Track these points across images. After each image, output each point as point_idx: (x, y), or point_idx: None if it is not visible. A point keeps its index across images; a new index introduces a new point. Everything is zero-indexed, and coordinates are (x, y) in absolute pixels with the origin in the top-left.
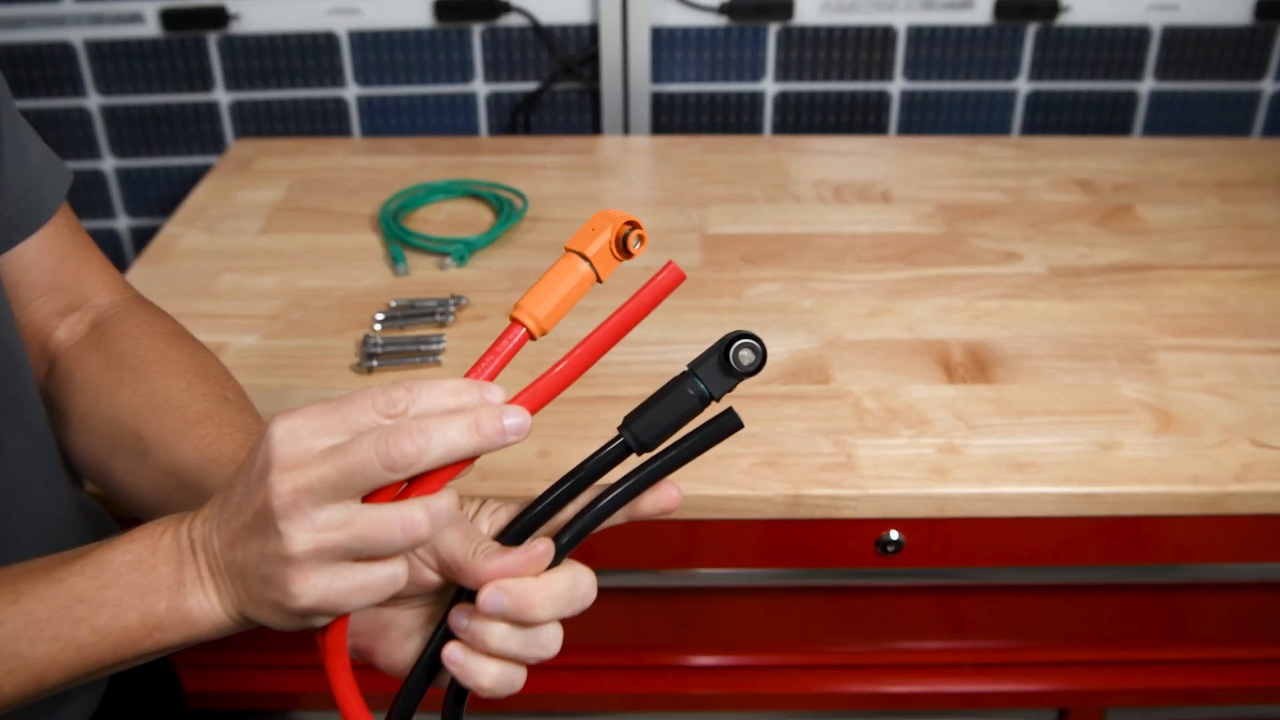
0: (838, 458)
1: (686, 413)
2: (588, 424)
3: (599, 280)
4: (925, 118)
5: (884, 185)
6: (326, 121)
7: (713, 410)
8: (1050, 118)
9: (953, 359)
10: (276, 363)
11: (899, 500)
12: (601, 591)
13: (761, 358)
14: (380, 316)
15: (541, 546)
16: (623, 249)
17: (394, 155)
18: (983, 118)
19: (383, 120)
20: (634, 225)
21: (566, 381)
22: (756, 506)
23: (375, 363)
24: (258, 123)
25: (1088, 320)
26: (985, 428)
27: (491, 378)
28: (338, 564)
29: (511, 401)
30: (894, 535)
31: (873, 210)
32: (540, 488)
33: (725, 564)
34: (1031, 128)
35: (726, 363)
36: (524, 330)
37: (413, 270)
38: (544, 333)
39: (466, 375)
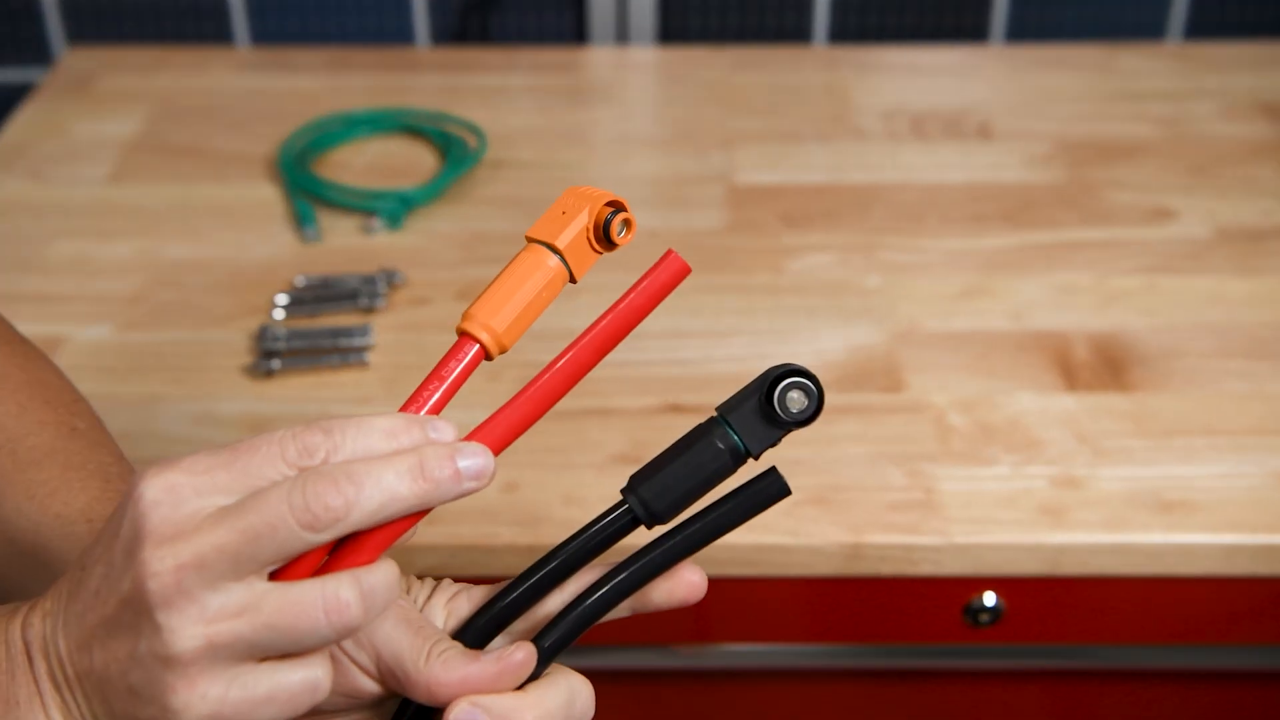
0: (913, 494)
1: (714, 474)
2: (570, 447)
3: (573, 280)
4: (1044, 17)
5: (983, 115)
6: (199, 23)
7: (748, 470)
8: (1225, 14)
9: (1075, 358)
10: (137, 365)
11: (997, 552)
12: (597, 676)
13: (817, 403)
14: (283, 300)
15: (521, 654)
16: (604, 238)
17: (296, 73)
18: (1128, 16)
19: (279, 22)
20: (618, 206)
21: (538, 410)
22: (802, 560)
23: (276, 363)
24: (98, 23)
25: (1270, 304)
26: (1119, 453)
27: (438, 410)
28: (237, 665)
29: (469, 437)
30: (990, 600)
31: (966, 150)
32: (507, 533)
33: (759, 638)
34: (1196, 29)
35: (769, 408)
36: (477, 347)
37: (327, 235)
38: (503, 350)
39: (403, 408)
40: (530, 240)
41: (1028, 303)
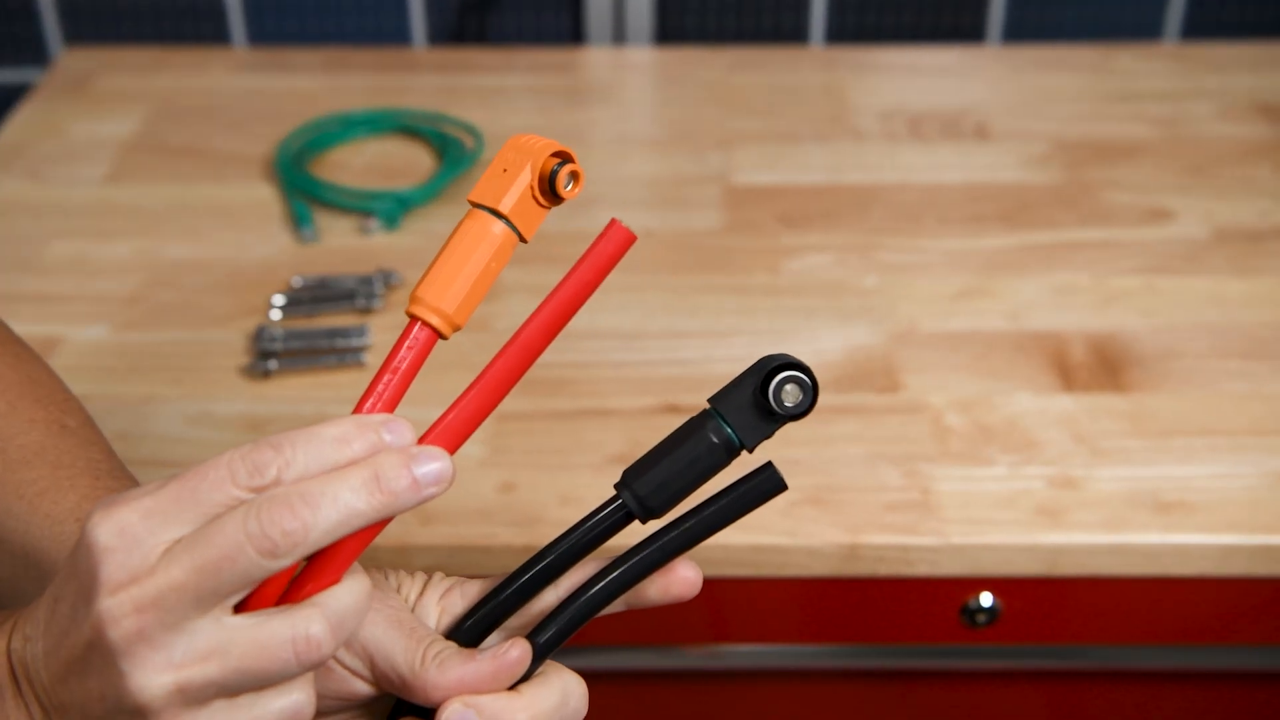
0: (910, 494)
1: (708, 468)
2: (567, 448)
3: (523, 240)
4: (1042, 17)
5: (980, 115)
6: (196, 24)
7: (743, 463)
8: (1222, 14)
9: (1072, 358)
10: (134, 365)
11: (994, 553)
12: (594, 677)
13: (812, 396)
14: (280, 300)
15: (515, 651)
16: (550, 192)
17: (294, 73)
18: (1125, 16)
19: (277, 22)
20: (564, 157)
21: (493, 401)
22: (799, 561)
23: (273, 364)
24: (96, 24)
25: (1267, 304)
26: (1116, 453)
27: (392, 405)
28: (212, 704)
29: (424, 438)
30: (987, 600)
31: (964, 151)
32: (504, 534)
33: (756, 639)
34: (1194, 30)
35: (764, 400)
36: (428, 330)
37: (324, 236)
38: (456, 328)
39: (360, 403)
40: (473, 205)
41: (1025, 303)
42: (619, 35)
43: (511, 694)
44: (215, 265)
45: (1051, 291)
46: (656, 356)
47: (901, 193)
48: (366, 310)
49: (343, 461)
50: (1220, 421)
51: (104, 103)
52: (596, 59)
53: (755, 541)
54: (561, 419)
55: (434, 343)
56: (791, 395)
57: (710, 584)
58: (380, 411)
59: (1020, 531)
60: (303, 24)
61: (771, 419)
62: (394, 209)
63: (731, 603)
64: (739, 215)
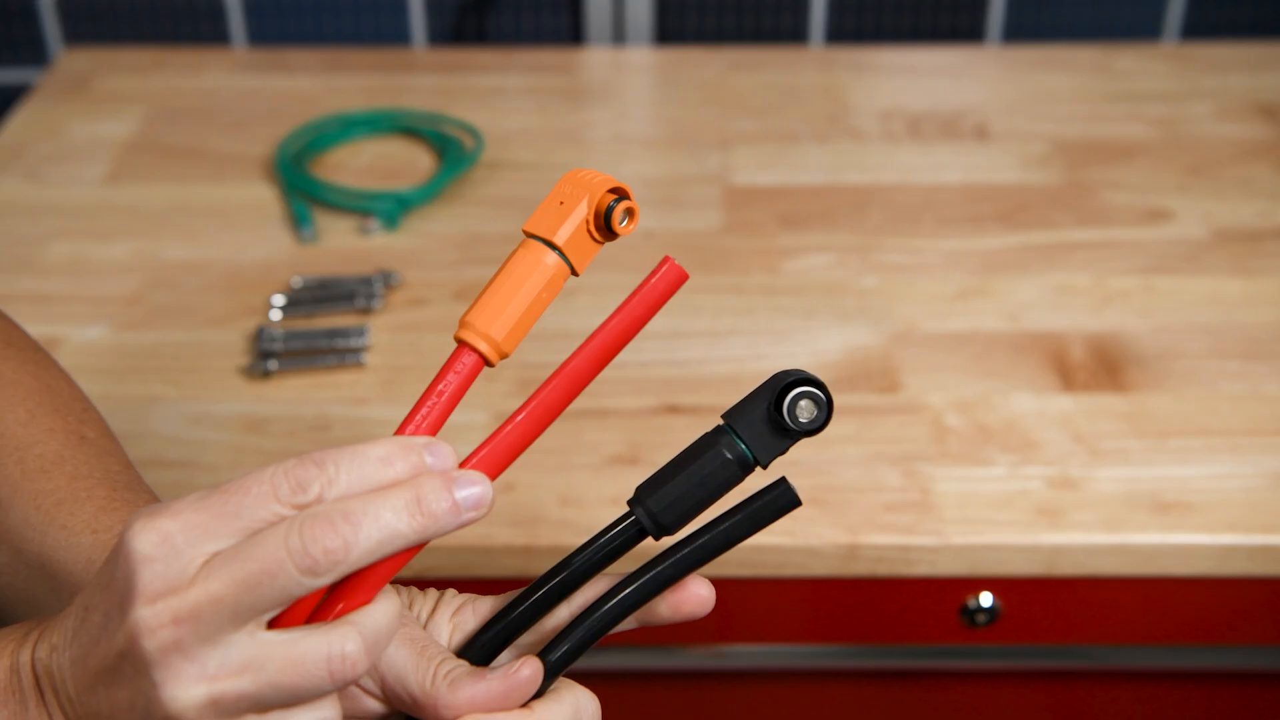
0: (909, 494)
1: (721, 484)
2: (566, 449)
3: (575, 274)
4: (1040, 17)
5: (979, 116)
6: (195, 24)
7: (757, 479)
8: (1221, 15)
9: (1071, 358)
10: (134, 365)
11: (993, 553)
12: (589, 678)
13: (827, 412)
14: (279, 301)
15: (527, 670)
16: (605, 228)
17: (293, 73)
18: (1123, 16)
19: (276, 22)
20: (621, 194)
21: (537, 429)
22: (799, 560)
23: (273, 364)
24: (95, 24)
25: (1266, 304)
26: (1115, 453)
27: (435, 428)
28: (243, 718)
29: (465, 463)
30: (986, 600)
31: (963, 151)
32: (503, 535)
33: (756, 639)
34: (1192, 30)
35: (778, 416)
36: (475, 356)
37: (323, 236)
38: (504, 356)
39: (402, 424)
40: (528, 235)
41: (1024, 303)
42: (618, 35)
43: (523, 711)
44: (215, 266)
45: (1050, 292)
46: (656, 357)
47: (900, 193)
48: (366, 311)
49: (385, 482)
50: (1219, 421)
51: (103, 103)
52: (596, 59)
53: (755, 541)
54: (561, 419)
55: (480, 369)
56: (806, 411)
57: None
58: (423, 434)
59: (1020, 532)
60: (302, 24)
61: (785, 435)
62: (393, 209)
63: (731, 603)
64: (738, 215)
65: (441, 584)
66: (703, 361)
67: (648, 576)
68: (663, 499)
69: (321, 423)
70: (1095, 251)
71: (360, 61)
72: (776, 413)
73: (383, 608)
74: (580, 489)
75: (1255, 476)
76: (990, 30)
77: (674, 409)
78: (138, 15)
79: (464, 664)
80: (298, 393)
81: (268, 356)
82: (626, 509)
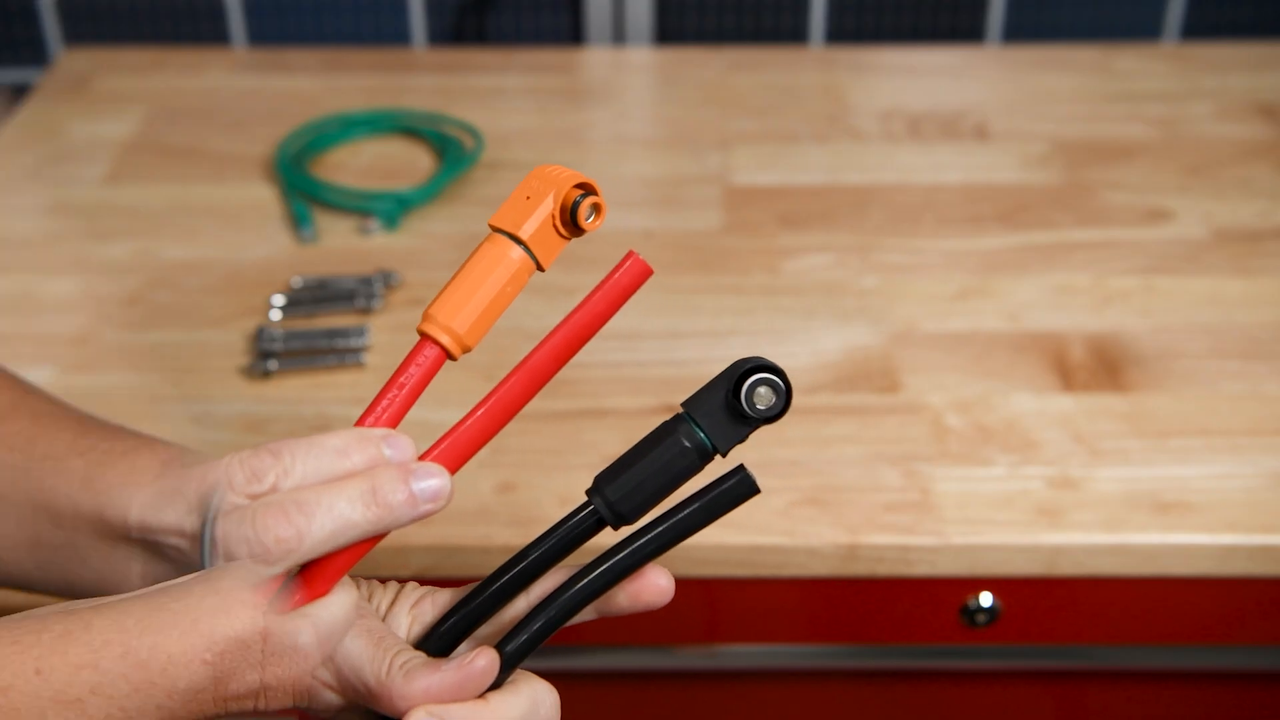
0: (909, 494)
1: (680, 473)
2: (565, 449)
3: (540, 269)
4: (1040, 18)
5: (979, 116)
6: (195, 24)
7: (717, 467)
8: (1221, 15)
9: (1071, 358)
10: (134, 363)
11: (993, 553)
12: (586, 678)
13: (785, 399)
14: (279, 301)
15: (483, 660)
16: (571, 223)
17: (293, 73)
18: (1123, 16)
19: (276, 23)
20: (587, 189)
21: (498, 424)
22: (798, 560)
23: (273, 364)
24: (95, 24)
25: (1266, 304)
26: (1115, 453)
27: (395, 420)
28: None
29: (425, 455)
30: (986, 600)
31: (963, 151)
32: (502, 534)
33: (755, 639)
34: (1193, 30)
35: (736, 403)
36: (438, 349)
37: (323, 236)
38: (466, 350)
39: (362, 417)
40: (493, 229)
41: (1024, 303)
42: (618, 35)
43: (478, 703)
44: (215, 266)
45: (1050, 292)
46: (654, 357)
47: (900, 193)
48: (366, 311)
49: (341, 473)
50: (1219, 421)
51: (103, 103)
52: (596, 59)
53: (754, 542)
54: (559, 419)
55: (442, 362)
56: (764, 398)
57: (708, 584)
58: (383, 426)
59: (1020, 531)
60: (302, 24)
61: (744, 422)
62: (393, 209)
63: (730, 603)
64: (737, 215)
65: (439, 584)
66: (702, 361)
67: (605, 566)
68: (621, 488)
69: (321, 422)
70: (1095, 251)
71: (360, 61)
72: (735, 400)
73: (338, 600)
74: (579, 489)
75: (1255, 476)
76: (990, 30)
77: (673, 409)
78: (138, 15)
79: (420, 655)
80: (298, 393)
81: (268, 356)
82: (586, 501)
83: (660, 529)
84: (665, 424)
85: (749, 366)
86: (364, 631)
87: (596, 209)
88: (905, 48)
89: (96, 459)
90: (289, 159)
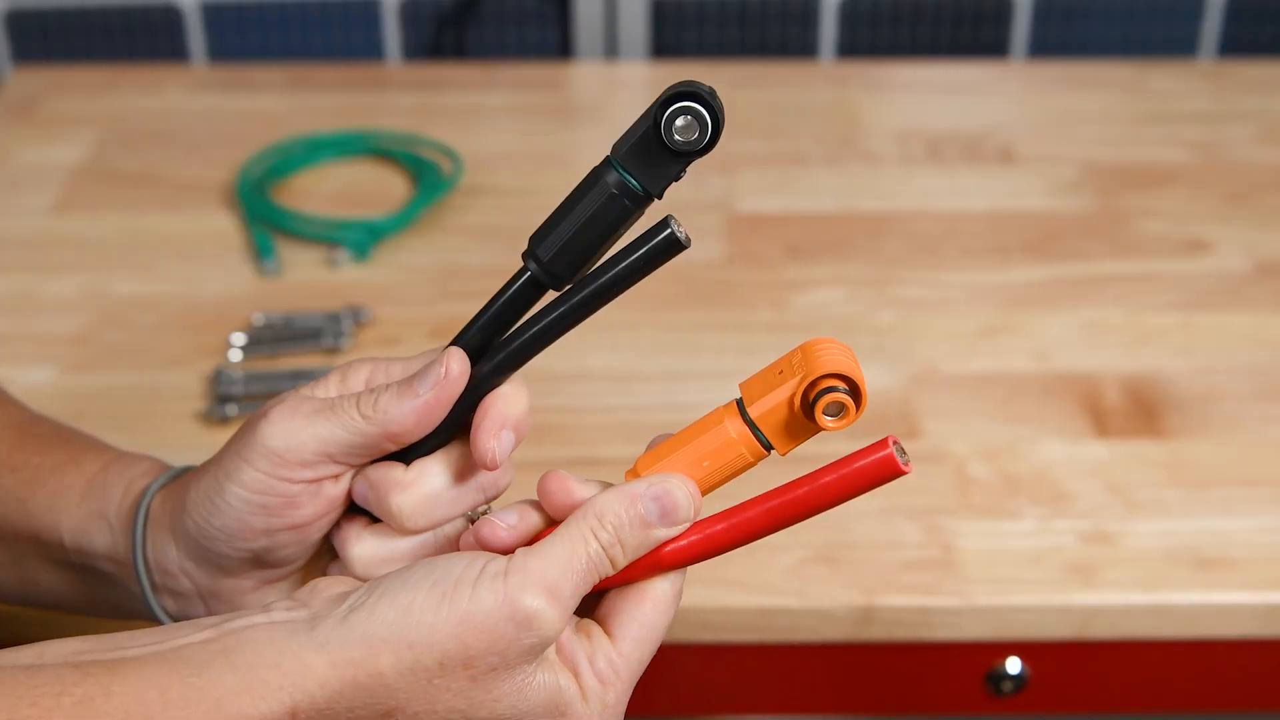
0: (930, 551)
1: (612, 222)
2: None
3: (771, 452)
4: (1068, 32)
5: (1004, 137)
6: (151, 40)
7: (655, 213)
8: (1261, 30)
9: (1105, 402)
10: (82, 409)
11: (1021, 615)
12: None
13: (712, 128)
14: (240, 340)
15: (455, 364)
16: (808, 413)
17: (256, 91)
18: (1157, 31)
19: (238, 38)
20: (842, 382)
21: (700, 556)
22: (810, 624)
23: (232, 409)
24: (44, 42)
25: None
26: (1153, 505)
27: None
28: None
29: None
30: (1014, 667)
31: (987, 175)
32: None
33: (763, 709)
34: (1231, 47)
35: (658, 137)
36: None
37: (287, 269)
38: None
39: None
40: (741, 395)
41: (1054, 342)
42: (610, 49)
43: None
44: (170, 302)
45: (1082, 329)
46: (651, 401)
47: (919, 221)
48: (334, 350)
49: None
50: (1265, 470)
51: (51, 126)
52: (586, 75)
53: (761, 604)
54: (549, 468)
55: None
56: (685, 130)
57: (711, 650)
58: None
59: (1050, 591)
60: (266, 40)
61: (672, 158)
62: (364, 239)
63: (736, 670)
64: (741, 246)
65: None
66: (703, 406)
67: (540, 324)
68: (551, 246)
69: None
70: (1130, 285)
71: (329, 79)
72: (657, 133)
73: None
74: None
75: None
76: (1015, 45)
77: None
78: (89, 31)
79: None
80: None
81: (226, 401)
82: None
83: (597, 282)
84: (591, 172)
85: (669, 94)
86: (324, 408)
87: (843, 408)
88: (924, 63)
89: (27, 477)
90: (251, 185)
